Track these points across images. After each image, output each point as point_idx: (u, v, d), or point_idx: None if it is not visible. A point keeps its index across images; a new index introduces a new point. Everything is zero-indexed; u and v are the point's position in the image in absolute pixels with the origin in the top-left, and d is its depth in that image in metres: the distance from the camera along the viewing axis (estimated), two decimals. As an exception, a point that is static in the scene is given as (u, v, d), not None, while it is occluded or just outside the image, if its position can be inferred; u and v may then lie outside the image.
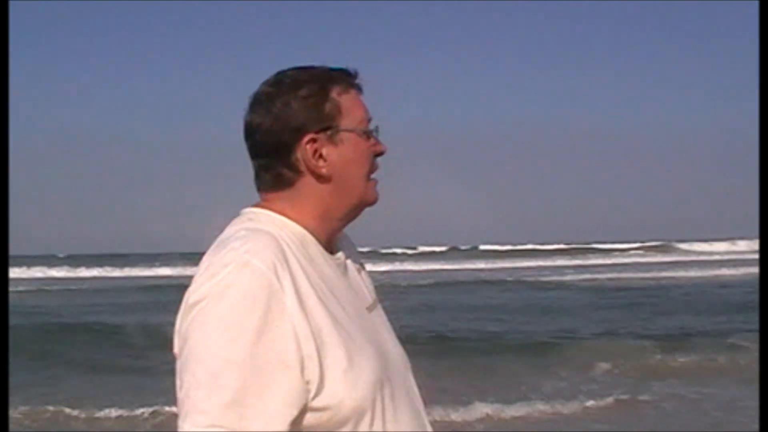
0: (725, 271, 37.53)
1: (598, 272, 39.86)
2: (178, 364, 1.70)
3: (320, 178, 1.82)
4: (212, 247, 1.78)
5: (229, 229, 1.82)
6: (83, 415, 10.32)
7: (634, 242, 70.46)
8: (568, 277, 36.37)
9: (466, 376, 12.29)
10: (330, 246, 1.89)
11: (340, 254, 1.91)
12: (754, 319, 17.52)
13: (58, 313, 21.73)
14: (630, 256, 58.47)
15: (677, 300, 24.21)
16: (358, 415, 1.71)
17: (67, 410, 10.43)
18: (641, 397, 11.00)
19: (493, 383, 11.83)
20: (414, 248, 68.50)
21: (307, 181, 1.83)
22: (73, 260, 57.12)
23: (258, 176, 1.87)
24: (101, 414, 10.34)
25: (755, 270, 35.59)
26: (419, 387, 1.93)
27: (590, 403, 10.52)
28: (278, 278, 1.68)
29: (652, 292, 27.37)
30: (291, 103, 1.81)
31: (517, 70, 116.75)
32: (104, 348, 15.55)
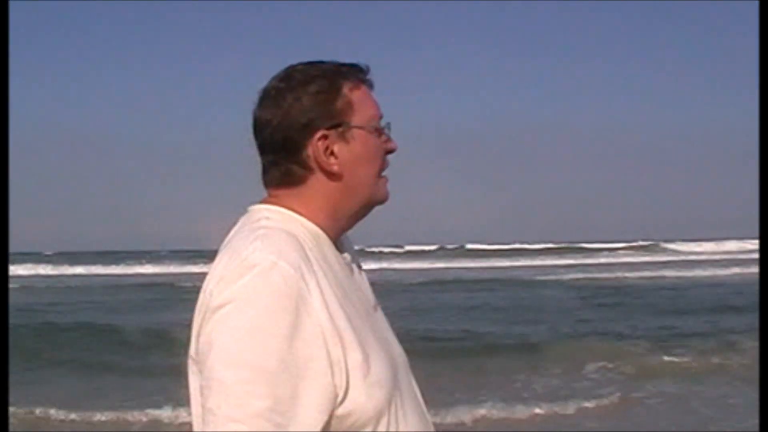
0: (714, 272, 37.57)
1: (587, 271, 39.87)
2: (198, 368, 1.67)
3: (331, 176, 1.79)
4: (228, 246, 1.75)
5: (243, 227, 1.78)
6: (72, 416, 10.17)
7: (621, 242, 70.59)
8: (557, 276, 36.33)
9: (459, 377, 12.26)
10: (336, 245, 1.85)
11: (347, 254, 1.87)
12: (743, 319, 17.78)
13: (45, 311, 21.61)
14: (618, 255, 58.51)
15: (667, 299, 24.22)
16: (376, 419, 1.69)
17: (55, 411, 10.29)
18: (633, 396, 11.00)
19: (486, 384, 11.81)
20: (401, 247, 68.48)
21: (318, 179, 1.79)
22: (61, 258, 56.90)
23: (266, 172, 1.83)
24: (91, 415, 10.18)
25: (743, 270, 35.88)
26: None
27: (584, 403, 10.51)
28: (304, 280, 1.65)
29: (642, 291, 27.39)
30: (302, 99, 1.77)
31: (504, 68, 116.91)
32: (94, 347, 15.41)
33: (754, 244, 66.76)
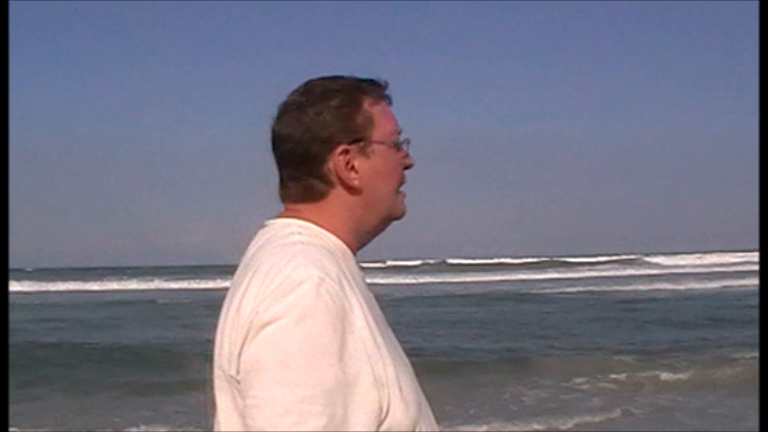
0: (699, 285, 37.69)
1: (571, 285, 39.99)
2: (239, 387, 1.64)
3: (351, 190, 1.79)
4: (258, 261, 1.71)
5: (270, 242, 1.76)
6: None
7: (604, 255, 70.82)
8: (541, 291, 36.41)
9: (450, 393, 12.22)
10: None
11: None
12: (730, 332, 17.84)
13: (27, 329, 21.41)
14: (600, 269, 58.60)
15: (653, 313, 24.29)
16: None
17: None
18: (624, 410, 11.02)
19: (477, 400, 11.81)
20: (383, 262, 68.46)
21: (338, 193, 1.79)
22: (42, 274, 56.59)
23: (285, 186, 1.82)
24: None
25: (728, 283, 36.08)
26: None
27: (576, 418, 10.52)
28: (346, 296, 1.65)
29: (628, 305, 27.43)
30: (323, 113, 1.77)
31: (483, 82, 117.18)
32: (79, 364, 15.28)
33: (736, 257, 67.35)
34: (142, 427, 10.13)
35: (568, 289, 36.84)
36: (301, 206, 1.80)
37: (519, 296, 32.99)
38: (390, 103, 1.86)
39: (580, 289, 37.00)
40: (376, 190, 1.81)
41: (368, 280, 1.83)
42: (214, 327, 1.74)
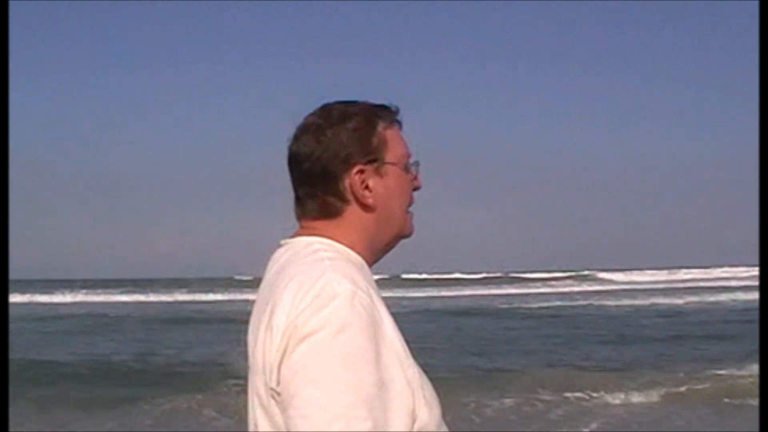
0: (655, 300, 37.85)
1: (527, 301, 40.09)
2: (280, 398, 1.72)
3: (366, 208, 1.91)
4: (286, 277, 1.80)
5: (296, 258, 1.85)
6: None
7: (557, 272, 71.32)
8: (499, 306, 36.57)
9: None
10: None
11: None
12: (690, 347, 17.89)
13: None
14: (555, 285, 58.87)
15: (610, 328, 24.36)
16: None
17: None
18: (586, 424, 11.00)
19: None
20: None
21: (354, 210, 1.91)
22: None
23: (302, 203, 1.94)
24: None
25: (684, 299, 36.44)
26: None
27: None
28: (376, 307, 1.76)
29: (585, 320, 27.61)
30: (341, 135, 1.90)
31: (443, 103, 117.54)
32: (34, 380, 14.69)
33: (689, 274, 68.36)
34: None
35: (524, 305, 36.91)
36: (318, 223, 1.92)
37: (476, 311, 32.95)
38: (401, 127, 1.99)
39: (537, 305, 37.06)
40: (389, 208, 1.94)
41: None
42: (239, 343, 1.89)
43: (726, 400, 12.57)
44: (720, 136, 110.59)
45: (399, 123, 1.99)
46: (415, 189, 2.00)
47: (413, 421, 1.72)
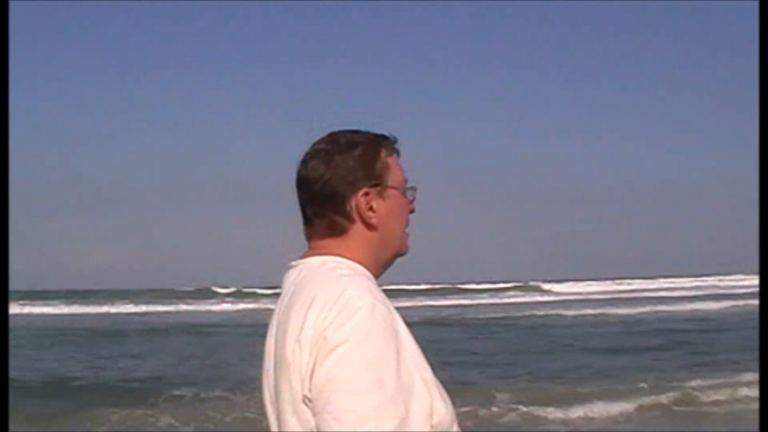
0: (606, 311, 38.12)
1: (473, 312, 40.17)
2: (313, 404, 1.89)
3: (370, 227, 2.12)
4: (307, 294, 1.98)
5: (315, 276, 2.03)
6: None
7: (501, 282, 71.53)
8: (446, 316, 36.62)
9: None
10: None
11: None
12: (643, 358, 18.08)
13: None
14: (501, 296, 58.96)
15: (562, 338, 24.58)
16: (451, 423, 1.98)
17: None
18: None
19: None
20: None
21: (358, 229, 2.12)
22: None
23: (311, 223, 2.15)
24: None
25: (634, 310, 36.84)
26: None
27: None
28: (393, 316, 1.97)
29: (533, 330, 27.83)
30: (348, 160, 2.12)
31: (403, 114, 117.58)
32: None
33: (633, 284, 69.14)
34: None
35: (470, 315, 37.01)
36: (327, 242, 2.12)
37: (424, 322, 32.95)
38: (399, 155, 2.21)
39: (484, 315, 37.21)
40: (390, 228, 2.15)
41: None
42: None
43: (676, 408, 12.87)
44: (655, 147, 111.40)
45: (398, 151, 2.21)
46: (411, 212, 2.22)
47: (431, 416, 1.91)
